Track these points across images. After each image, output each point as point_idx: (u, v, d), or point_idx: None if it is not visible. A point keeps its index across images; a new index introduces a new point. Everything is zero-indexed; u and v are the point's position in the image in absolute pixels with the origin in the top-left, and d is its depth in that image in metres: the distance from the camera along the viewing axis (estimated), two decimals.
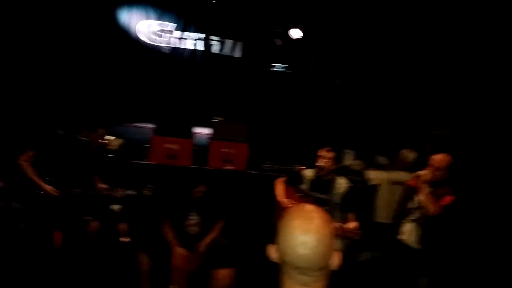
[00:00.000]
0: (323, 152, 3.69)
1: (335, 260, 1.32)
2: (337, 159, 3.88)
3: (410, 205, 3.54)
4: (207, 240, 3.76)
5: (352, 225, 3.40)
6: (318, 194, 3.69)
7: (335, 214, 3.55)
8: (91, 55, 6.91)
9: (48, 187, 3.55)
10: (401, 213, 3.57)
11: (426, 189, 3.31)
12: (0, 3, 4.93)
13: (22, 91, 5.38)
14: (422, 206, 3.38)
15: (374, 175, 5.07)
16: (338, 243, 3.56)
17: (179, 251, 3.67)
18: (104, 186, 3.82)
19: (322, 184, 3.69)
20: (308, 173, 3.78)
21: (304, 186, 3.78)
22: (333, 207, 3.60)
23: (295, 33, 7.29)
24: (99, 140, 3.85)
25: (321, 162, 3.67)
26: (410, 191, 3.58)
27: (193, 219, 3.80)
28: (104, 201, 3.85)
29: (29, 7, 5.54)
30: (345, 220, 3.42)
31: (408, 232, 3.50)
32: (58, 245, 3.64)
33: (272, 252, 1.34)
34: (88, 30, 6.82)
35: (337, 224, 3.25)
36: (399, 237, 3.54)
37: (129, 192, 3.71)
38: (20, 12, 5.38)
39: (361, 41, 6.32)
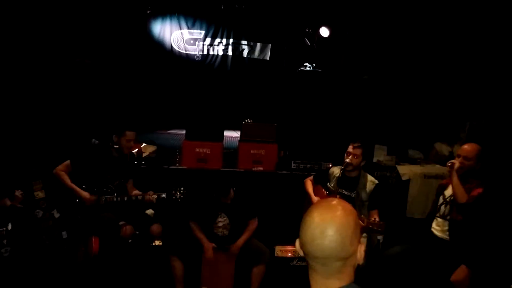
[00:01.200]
0: (350, 148, 3.65)
1: (359, 253, 1.32)
2: (368, 155, 3.83)
3: (441, 200, 3.45)
4: (241, 241, 3.81)
5: (374, 218, 3.36)
6: (344, 191, 3.67)
7: (362, 211, 3.52)
8: (126, 66, 7.19)
9: (84, 193, 3.71)
10: (434, 209, 3.49)
11: (455, 177, 3.21)
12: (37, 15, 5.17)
13: (58, 101, 5.65)
14: (451, 199, 3.30)
15: (407, 170, 4.96)
16: (365, 238, 3.55)
17: (209, 246, 3.75)
18: (137, 192, 3.94)
19: (350, 181, 3.66)
20: (336, 170, 3.75)
21: (331, 184, 3.76)
22: (359, 204, 3.57)
23: (324, 32, 7.25)
24: (130, 144, 3.92)
25: (348, 159, 3.63)
26: (441, 188, 3.51)
27: (222, 221, 3.88)
28: (137, 206, 3.97)
29: (70, 18, 5.81)
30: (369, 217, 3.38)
31: (439, 226, 3.42)
32: (96, 251, 3.79)
33: (297, 245, 1.36)
34: (123, 42, 7.10)
35: (361, 218, 3.22)
36: (431, 230, 3.46)
37: (162, 195, 3.79)
38: (59, 25, 5.66)
39: (389, 34, 6.19)
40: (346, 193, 3.65)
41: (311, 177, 3.98)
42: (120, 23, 6.93)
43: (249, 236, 3.86)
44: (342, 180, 3.65)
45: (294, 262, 4.03)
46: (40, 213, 4.49)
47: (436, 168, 4.76)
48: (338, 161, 3.85)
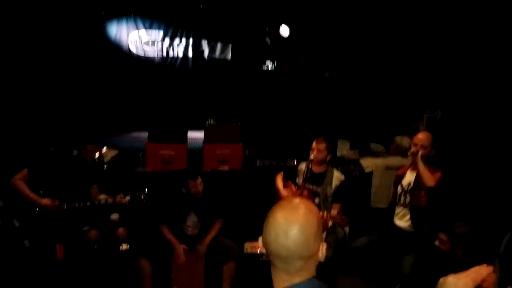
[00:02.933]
0: (314, 144, 3.73)
1: (322, 251, 1.34)
2: (332, 149, 3.92)
3: (399, 190, 3.58)
4: (207, 240, 3.82)
5: (334, 211, 3.46)
6: (311, 186, 3.73)
7: (326, 206, 3.61)
8: (82, 69, 7.00)
9: (45, 200, 3.59)
10: (394, 200, 3.62)
11: (421, 163, 3.36)
12: None
13: (13, 109, 5.45)
14: (410, 188, 3.45)
15: (370, 163, 5.11)
16: (334, 234, 3.62)
17: (180, 247, 3.73)
18: (102, 196, 3.86)
19: (316, 176, 3.74)
20: (303, 166, 3.82)
21: (299, 179, 3.82)
22: (324, 199, 3.65)
23: (284, 31, 7.33)
24: (91, 156, 3.88)
25: (312, 154, 3.71)
26: (398, 179, 3.65)
27: (191, 220, 3.87)
28: (102, 211, 3.89)
29: (15, 23, 5.61)
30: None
31: (401, 215, 3.54)
32: (61, 257, 3.68)
33: (260, 243, 1.37)
34: (78, 44, 6.90)
35: (323, 214, 3.32)
36: (393, 221, 3.58)
37: (127, 198, 3.73)
38: (9, 26, 5.46)
39: (348, 30, 6.34)
40: (313, 188, 3.72)
41: (281, 173, 4.04)
42: (75, 27, 6.74)
43: (215, 234, 3.88)
44: (309, 175, 3.71)
45: (264, 257, 4.06)
46: None
47: (397, 160, 4.92)
48: (304, 157, 3.92)
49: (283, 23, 7.25)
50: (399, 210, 3.57)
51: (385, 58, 6.09)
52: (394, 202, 3.61)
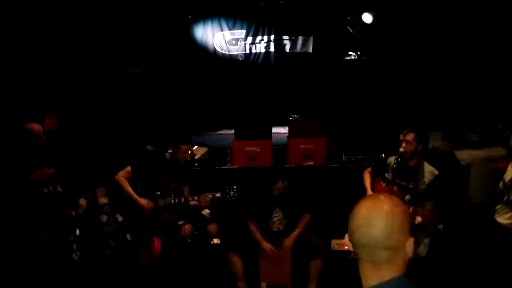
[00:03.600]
0: (401, 136, 3.56)
1: (409, 246, 1.30)
2: (422, 140, 3.71)
3: (501, 186, 3.29)
4: (294, 235, 3.84)
5: (427, 209, 3.26)
6: (401, 181, 3.57)
7: (418, 203, 3.42)
8: (173, 72, 7.39)
9: (142, 201, 3.84)
10: (495, 195, 3.33)
11: None
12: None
13: (114, 111, 5.92)
14: None
15: (466, 155, 4.75)
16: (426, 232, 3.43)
17: (266, 246, 3.80)
18: (195, 202, 4.04)
19: (407, 171, 3.56)
20: (392, 160, 3.66)
21: (388, 174, 3.68)
22: (416, 195, 3.47)
23: (367, 18, 7.07)
24: (185, 156, 4.03)
25: (401, 147, 3.54)
26: (499, 173, 3.36)
27: (277, 216, 3.92)
28: (194, 208, 4.09)
29: (117, 32, 6.06)
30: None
31: (503, 213, 3.25)
32: (158, 251, 3.94)
33: (346, 238, 1.37)
34: (169, 50, 7.30)
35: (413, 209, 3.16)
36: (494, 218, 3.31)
37: (216, 194, 3.89)
38: (107, 40, 5.92)
39: (437, 15, 5.94)
40: (403, 183, 3.55)
41: (369, 169, 3.92)
42: (163, 32, 7.12)
43: (302, 230, 3.89)
44: (398, 170, 3.55)
45: (352, 255, 3.98)
46: (105, 217, 4.75)
47: (496, 151, 4.51)
48: (393, 151, 3.75)
49: (365, 10, 6.99)
50: (500, 206, 3.28)
51: (480, 41, 5.60)
52: (494, 198, 3.33)
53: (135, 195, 3.85)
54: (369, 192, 3.70)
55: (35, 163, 3.46)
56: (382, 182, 3.71)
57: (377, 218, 1.27)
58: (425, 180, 3.47)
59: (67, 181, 3.83)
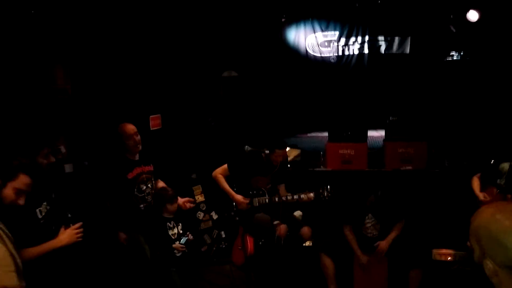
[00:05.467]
0: None
1: None
2: None
3: None
4: (388, 240, 3.72)
5: None
6: None
7: None
8: (266, 75, 7.52)
9: (238, 197, 3.93)
10: None
11: None
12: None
13: (210, 112, 6.18)
14: None
15: None
16: None
17: (364, 258, 3.70)
18: (288, 195, 4.04)
19: None
20: (506, 165, 3.38)
21: (501, 181, 3.40)
22: None
23: (473, 15, 6.58)
24: (279, 159, 4.02)
25: None
26: None
27: (370, 222, 3.80)
28: (287, 208, 4.10)
29: (213, 36, 6.33)
30: None
31: None
32: (252, 251, 3.98)
33: (488, 263, 1.25)
34: (262, 53, 7.44)
35: None
36: None
37: (311, 194, 3.85)
38: (204, 44, 6.21)
39: None
40: None
41: (478, 175, 3.67)
42: (257, 35, 7.27)
43: (396, 235, 3.74)
44: None
45: (455, 266, 3.72)
46: (201, 214, 4.98)
47: None
48: (505, 157, 3.45)
49: (471, 8, 6.50)
50: None
51: None
52: None
53: (231, 191, 3.95)
54: (480, 197, 3.45)
55: (132, 162, 3.58)
56: (494, 189, 3.42)
57: None
58: None
59: (167, 179, 4.04)
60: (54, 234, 2.47)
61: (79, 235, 2.46)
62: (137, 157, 3.64)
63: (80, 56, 4.33)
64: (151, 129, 4.95)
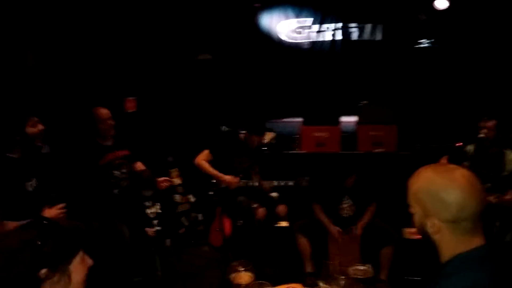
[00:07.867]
0: (482, 122, 3.44)
1: None
2: (503, 127, 3.56)
3: None
4: (363, 222, 3.84)
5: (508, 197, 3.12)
6: (482, 170, 3.43)
7: (501, 192, 3.28)
8: (239, 60, 7.51)
9: (227, 177, 3.92)
10: None
11: None
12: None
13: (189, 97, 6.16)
14: None
15: None
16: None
17: (334, 229, 3.82)
18: (266, 183, 4.10)
19: (488, 158, 3.43)
20: (471, 148, 3.55)
21: (467, 163, 3.57)
22: (499, 184, 3.32)
23: (440, 3, 6.76)
24: (254, 143, 4.13)
25: (482, 134, 3.42)
26: None
27: (346, 203, 3.92)
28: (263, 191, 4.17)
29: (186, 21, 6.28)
30: None
31: None
32: (229, 233, 4.04)
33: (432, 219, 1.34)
34: (234, 37, 7.42)
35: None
36: None
37: (289, 183, 3.94)
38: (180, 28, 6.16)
39: None
40: (483, 171, 3.41)
41: (446, 157, 3.82)
42: (231, 19, 7.24)
43: (370, 217, 3.88)
44: (478, 158, 3.43)
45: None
46: (178, 197, 5.00)
47: None
48: (470, 140, 3.62)
49: None
50: None
51: None
52: None
53: (219, 173, 3.92)
54: None
55: (104, 148, 3.54)
56: None
57: (477, 186, 1.28)
58: (507, 168, 3.34)
59: (143, 162, 4.02)
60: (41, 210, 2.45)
61: (62, 215, 2.45)
62: (109, 142, 3.59)
63: (52, 37, 4.22)
64: (126, 111, 4.90)
